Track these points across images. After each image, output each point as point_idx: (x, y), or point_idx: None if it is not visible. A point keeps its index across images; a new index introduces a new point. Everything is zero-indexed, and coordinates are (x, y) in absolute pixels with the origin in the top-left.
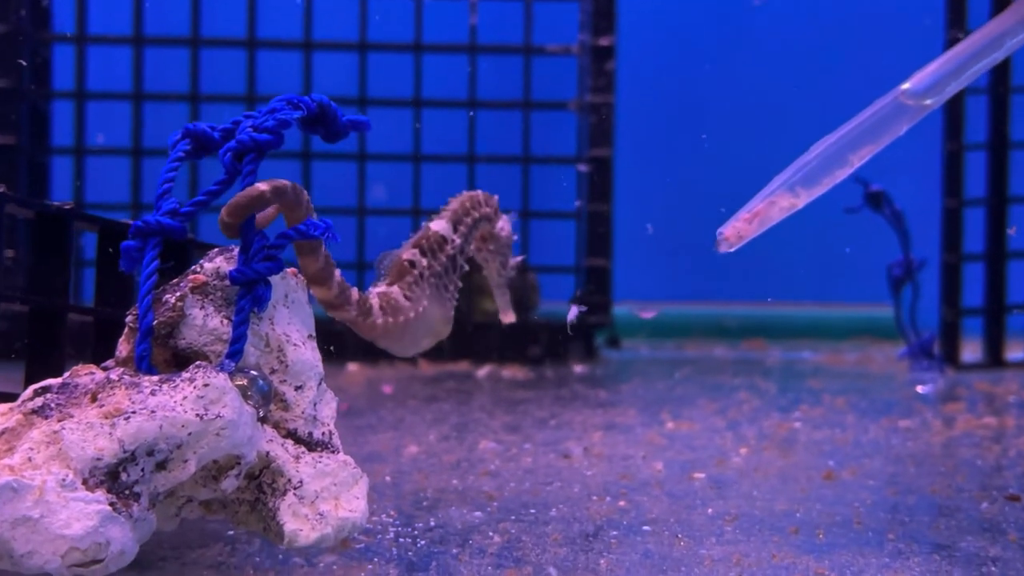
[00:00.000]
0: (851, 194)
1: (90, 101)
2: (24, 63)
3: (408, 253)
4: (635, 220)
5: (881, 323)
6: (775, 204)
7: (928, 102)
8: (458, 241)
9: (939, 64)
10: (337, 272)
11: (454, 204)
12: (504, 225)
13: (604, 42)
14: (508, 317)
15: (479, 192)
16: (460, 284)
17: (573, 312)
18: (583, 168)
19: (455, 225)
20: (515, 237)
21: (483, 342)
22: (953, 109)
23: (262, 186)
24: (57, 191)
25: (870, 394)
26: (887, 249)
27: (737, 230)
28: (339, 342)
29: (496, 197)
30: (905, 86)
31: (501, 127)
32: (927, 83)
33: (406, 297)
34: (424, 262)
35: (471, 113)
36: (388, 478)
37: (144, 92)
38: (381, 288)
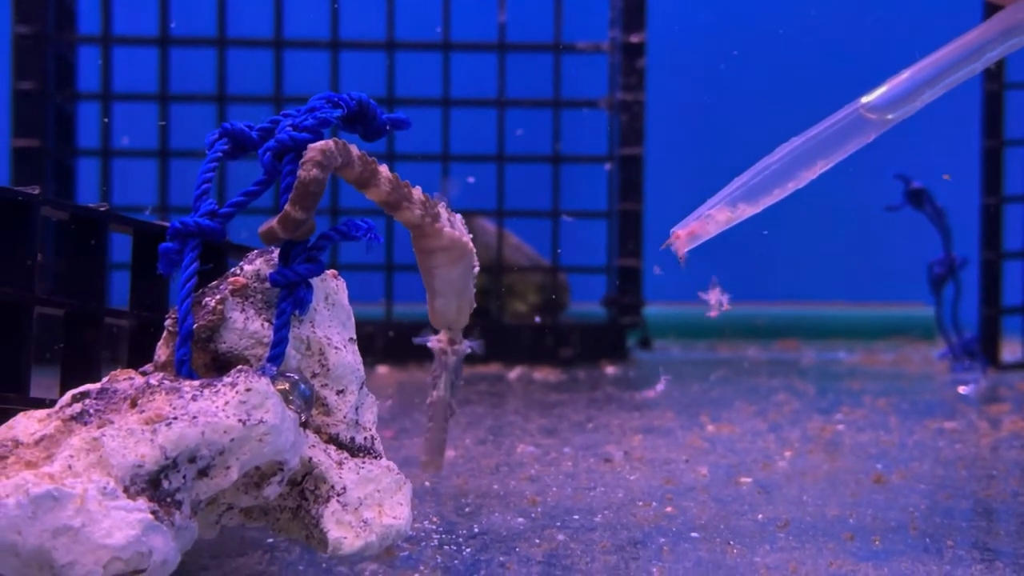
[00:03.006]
0: (892, 191)
1: (116, 102)
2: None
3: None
4: (666, 218)
5: (915, 322)
6: (713, 218)
7: (890, 116)
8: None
9: (905, 77)
10: (384, 169)
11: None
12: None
13: (635, 39)
14: (434, 465)
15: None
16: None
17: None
18: (608, 167)
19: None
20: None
21: (514, 343)
22: (992, 105)
23: (314, 171)
24: (83, 193)
25: (911, 395)
26: (921, 248)
27: (690, 230)
28: (368, 344)
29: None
30: (865, 99)
31: (531, 125)
32: (890, 97)
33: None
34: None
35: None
36: (427, 483)
37: (170, 93)
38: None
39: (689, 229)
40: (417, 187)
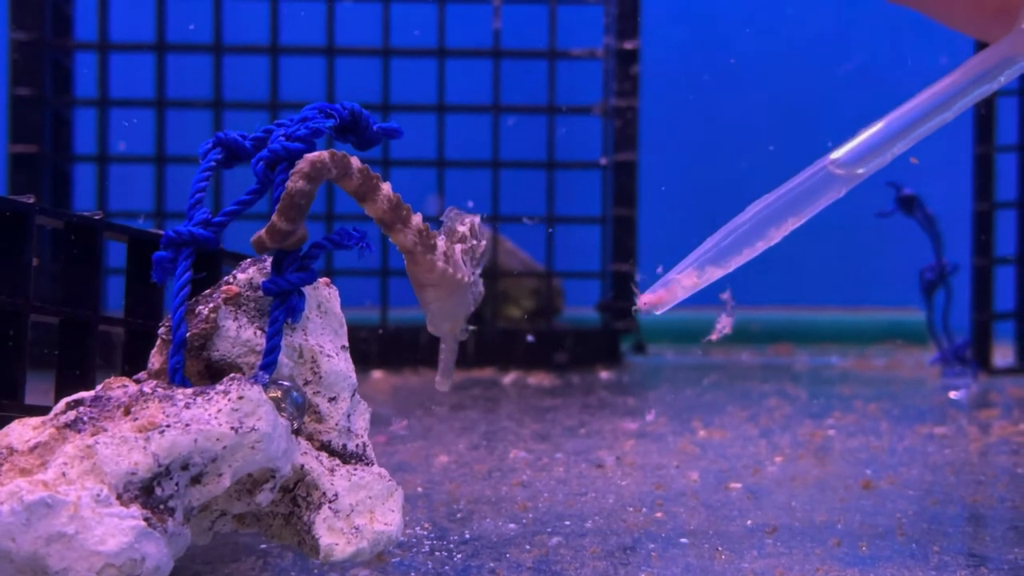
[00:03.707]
0: (884, 198)
1: (113, 108)
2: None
3: (460, 227)
4: (660, 224)
5: (907, 327)
6: (680, 283)
7: (860, 171)
8: (482, 244)
9: (874, 131)
10: (387, 187)
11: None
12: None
13: (629, 46)
14: (444, 383)
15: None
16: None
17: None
18: (604, 161)
19: (479, 229)
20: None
21: (508, 348)
22: (984, 112)
23: (301, 183)
24: (80, 199)
25: (902, 400)
26: (912, 253)
27: (657, 297)
28: (363, 350)
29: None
30: (834, 155)
31: (525, 132)
32: (858, 152)
33: (464, 263)
34: (473, 242)
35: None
36: (420, 489)
37: (167, 99)
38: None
39: (656, 296)
40: (418, 214)
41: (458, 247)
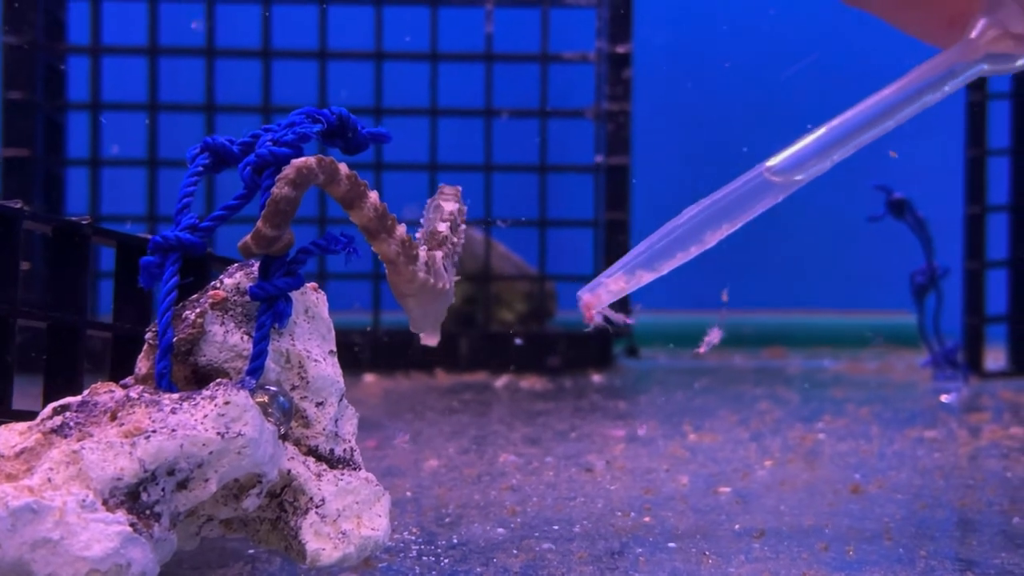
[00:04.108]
0: (874, 202)
1: (105, 112)
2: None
3: (441, 226)
4: (653, 227)
5: (900, 330)
6: (606, 287)
7: (798, 177)
8: (462, 225)
9: (812, 139)
10: (374, 196)
11: (450, 189)
12: (463, 231)
13: (621, 49)
14: (432, 339)
15: (459, 188)
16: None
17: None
18: (600, 159)
19: (459, 209)
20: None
21: (501, 352)
22: (975, 115)
23: (286, 190)
24: (72, 202)
25: (893, 404)
26: (905, 256)
27: (596, 297)
28: (355, 353)
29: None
30: (770, 163)
31: (518, 135)
32: (794, 160)
33: (444, 267)
34: (454, 239)
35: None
36: (409, 493)
37: (159, 103)
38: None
39: (584, 302)
40: (402, 225)
41: (438, 254)
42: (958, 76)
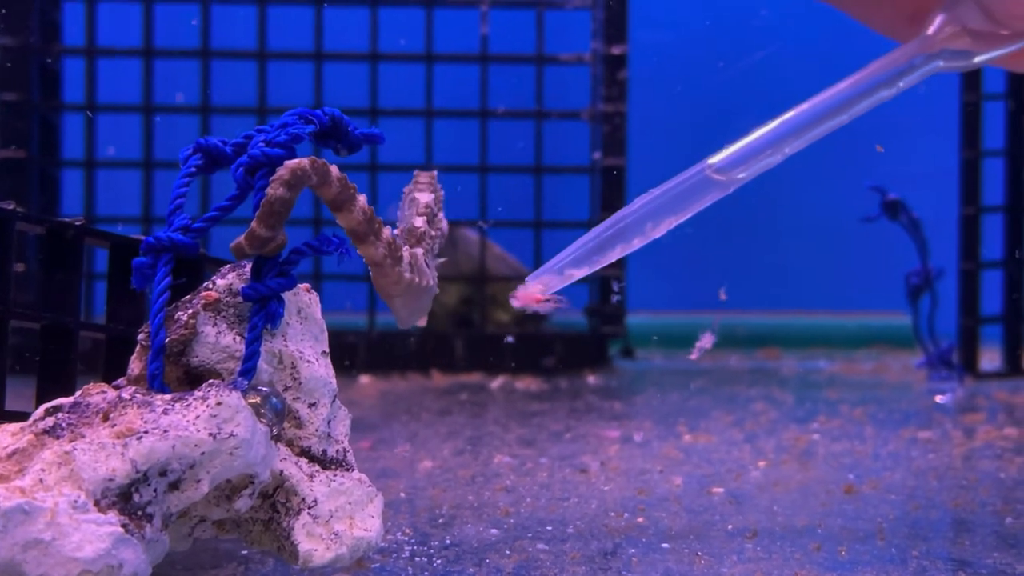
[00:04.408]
0: (869, 203)
1: (100, 113)
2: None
3: (417, 221)
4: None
5: (895, 331)
6: (543, 281)
7: (741, 175)
8: (440, 214)
9: (755, 136)
10: (363, 199)
11: (425, 178)
12: (443, 219)
13: (616, 51)
14: (420, 320)
15: (435, 173)
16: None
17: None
18: (597, 155)
19: (434, 199)
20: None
21: (496, 353)
22: (970, 116)
23: (281, 191)
24: (68, 204)
25: (888, 404)
26: (900, 257)
27: (518, 302)
28: (351, 354)
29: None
30: (712, 160)
31: (513, 136)
32: (736, 158)
33: (425, 262)
34: (432, 232)
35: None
36: (403, 494)
37: (154, 104)
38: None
39: (517, 300)
40: (387, 227)
41: (419, 251)
42: (914, 72)
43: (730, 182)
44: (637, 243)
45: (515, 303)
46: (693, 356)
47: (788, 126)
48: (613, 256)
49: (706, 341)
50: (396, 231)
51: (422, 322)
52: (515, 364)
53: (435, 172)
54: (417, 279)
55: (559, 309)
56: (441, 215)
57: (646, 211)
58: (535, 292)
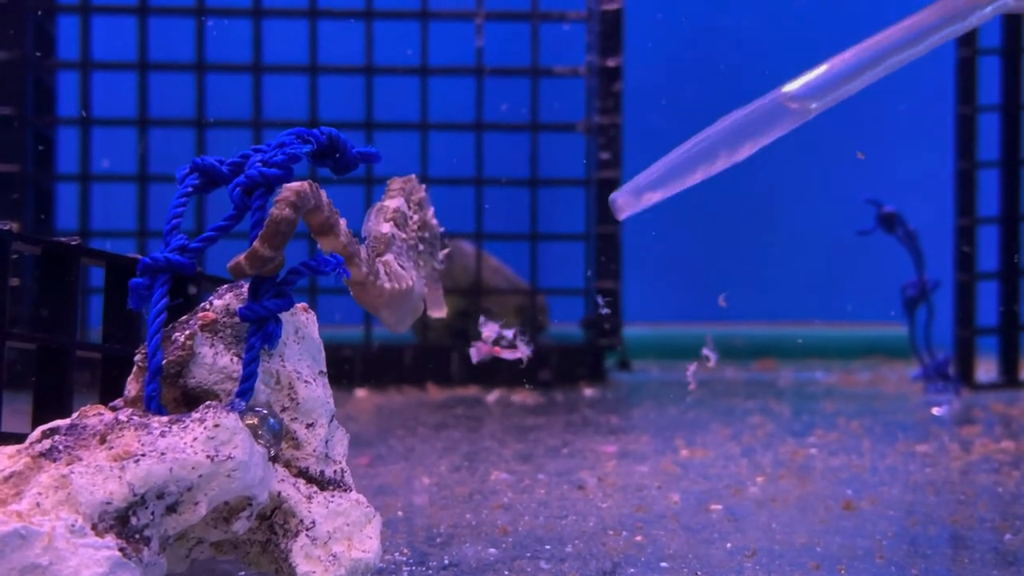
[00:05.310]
0: (865, 215)
1: (95, 127)
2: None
3: (385, 227)
4: (644, 239)
5: (892, 342)
6: (624, 202)
7: (813, 106)
8: (415, 216)
9: (829, 66)
10: (343, 222)
11: (397, 184)
12: (433, 216)
13: (611, 63)
14: (439, 311)
15: (412, 176)
16: (441, 266)
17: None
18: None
19: (407, 202)
20: (442, 229)
21: (492, 366)
22: (965, 127)
23: (287, 211)
24: (63, 218)
25: (885, 417)
26: (898, 268)
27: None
28: (348, 369)
29: (423, 186)
30: (787, 88)
31: (508, 149)
32: (812, 87)
33: (400, 265)
34: (401, 234)
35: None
36: (400, 512)
37: (149, 118)
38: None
39: (475, 353)
40: (362, 246)
41: (389, 257)
42: (986, 8)
43: (804, 111)
44: (720, 165)
45: (473, 356)
46: (691, 387)
47: (862, 57)
48: (694, 178)
49: (709, 357)
50: (366, 244)
51: (441, 312)
52: (512, 377)
53: (412, 176)
54: (396, 286)
55: (517, 358)
56: (429, 214)
57: (723, 135)
58: (488, 344)
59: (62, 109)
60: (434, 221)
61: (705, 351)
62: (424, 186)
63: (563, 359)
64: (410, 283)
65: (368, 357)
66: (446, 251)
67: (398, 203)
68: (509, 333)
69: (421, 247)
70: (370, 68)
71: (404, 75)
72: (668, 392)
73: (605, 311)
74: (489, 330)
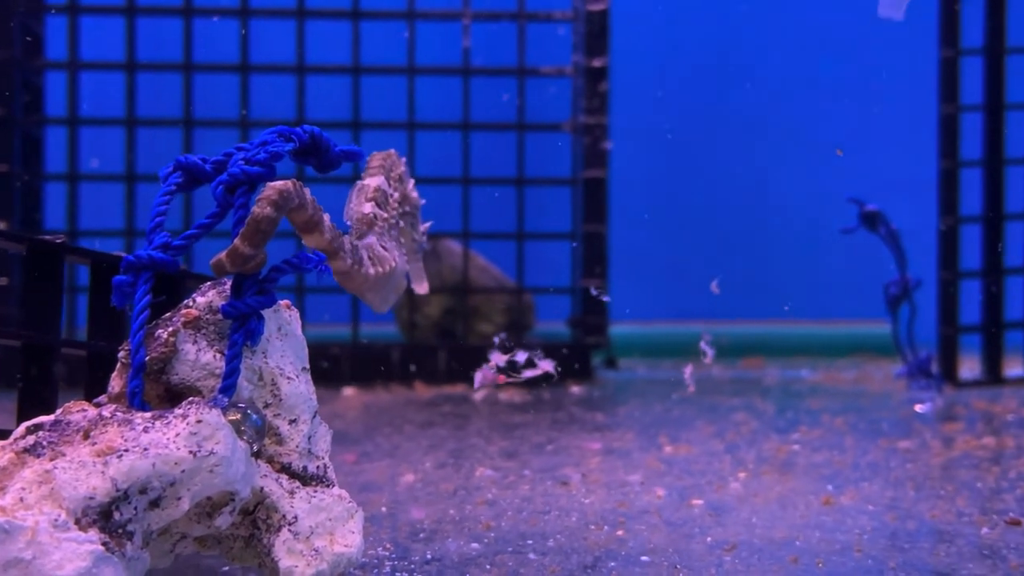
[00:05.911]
0: (847, 214)
1: (83, 127)
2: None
3: (366, 207)
4: (630, 238)
5: (878, 340)
6: None
7: None
8: (396, 193)
9: None
10: (327, 218)
11: (377, 160)
12: (414, 188)
13: (598, 63)
14: (422, 288)
15: (391, 151)
16: (422, 238)
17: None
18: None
19: (387, 179)
20: (422, 202)
21: (480, 364)
22: (948, 127)
23: (268, 210)
24: (51, 217)
25: (868, 414)
26: (882, 266)
27: None
28: (336, 367)
29: (403, 159)
30: None
31: (495, 149)
32: None
33: (382, 247)
34: (383, 214)
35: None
36: (384, 508)
37: (137, 118)
38: (358, 241)
39: (478, 380)
40: (346, 236)
41: (372, 240)
42: None
43: None
44: None
45: (477, 381)
46: (691, 389)
47: None
48: None
49: (706, 352)
50: (348, 224)
51: (423, 288)
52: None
53: (391, 151)
54: (380, 269)
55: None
56: (410, 187)
57: None
58: (493, 372)
59: (50, 109)
60: (414, 194)
61: (702, 345)
62: (404, 159)
63: (550, 357)
64: (393, 264)
65: (356, 355)
66: (427, 224)
67: (378, 181)
68: (521, 357)
69: (402, 223)
70: (358, 68)
71: (391, 75)
72: (654, 390)
73: (605, 298)
74: (497, 358)
